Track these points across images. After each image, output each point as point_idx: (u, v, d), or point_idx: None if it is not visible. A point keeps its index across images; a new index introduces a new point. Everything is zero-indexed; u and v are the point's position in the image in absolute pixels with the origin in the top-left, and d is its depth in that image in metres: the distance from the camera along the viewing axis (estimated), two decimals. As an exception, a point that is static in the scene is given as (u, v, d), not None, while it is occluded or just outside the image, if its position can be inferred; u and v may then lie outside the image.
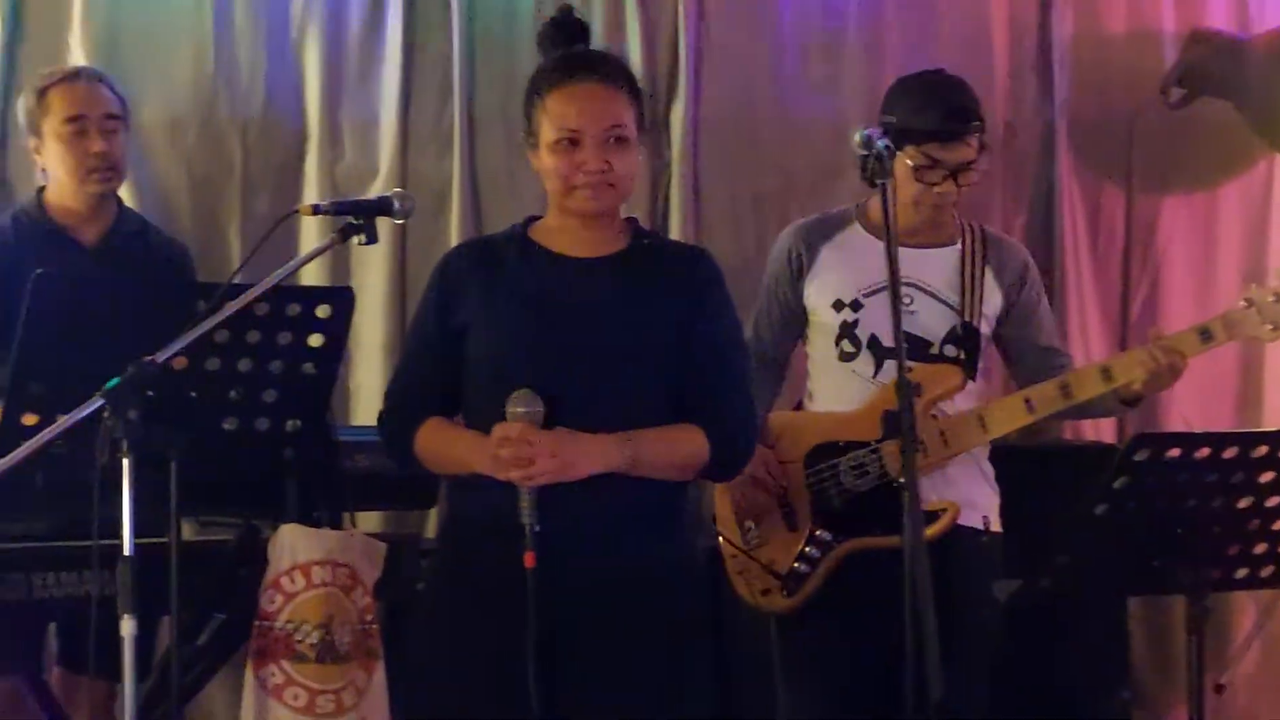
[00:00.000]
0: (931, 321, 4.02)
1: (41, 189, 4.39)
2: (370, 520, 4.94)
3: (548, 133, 3.33)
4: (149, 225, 4.56)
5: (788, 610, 4.03)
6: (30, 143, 4.39)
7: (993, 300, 4.09)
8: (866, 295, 4.01)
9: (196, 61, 5.42)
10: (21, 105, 4.41)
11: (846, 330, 4.03)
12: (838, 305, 4.04)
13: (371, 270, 5.35)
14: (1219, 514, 3.48)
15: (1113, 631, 5.18)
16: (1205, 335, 3.93)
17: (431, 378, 3.41)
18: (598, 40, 5.35)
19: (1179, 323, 5.48)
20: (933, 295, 4.03)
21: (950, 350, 4.02)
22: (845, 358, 4.04)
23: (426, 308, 3.44)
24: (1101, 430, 5.58)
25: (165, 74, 5.40)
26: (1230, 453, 3.40)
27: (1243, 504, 3.48)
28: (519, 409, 3.23)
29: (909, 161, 3.94)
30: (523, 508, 3.22)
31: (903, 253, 3.89)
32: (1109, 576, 3.63)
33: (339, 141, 5.47)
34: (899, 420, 3.33)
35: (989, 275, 4.08)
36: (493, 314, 3.36)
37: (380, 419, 3.47)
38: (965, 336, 4.03)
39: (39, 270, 3.45)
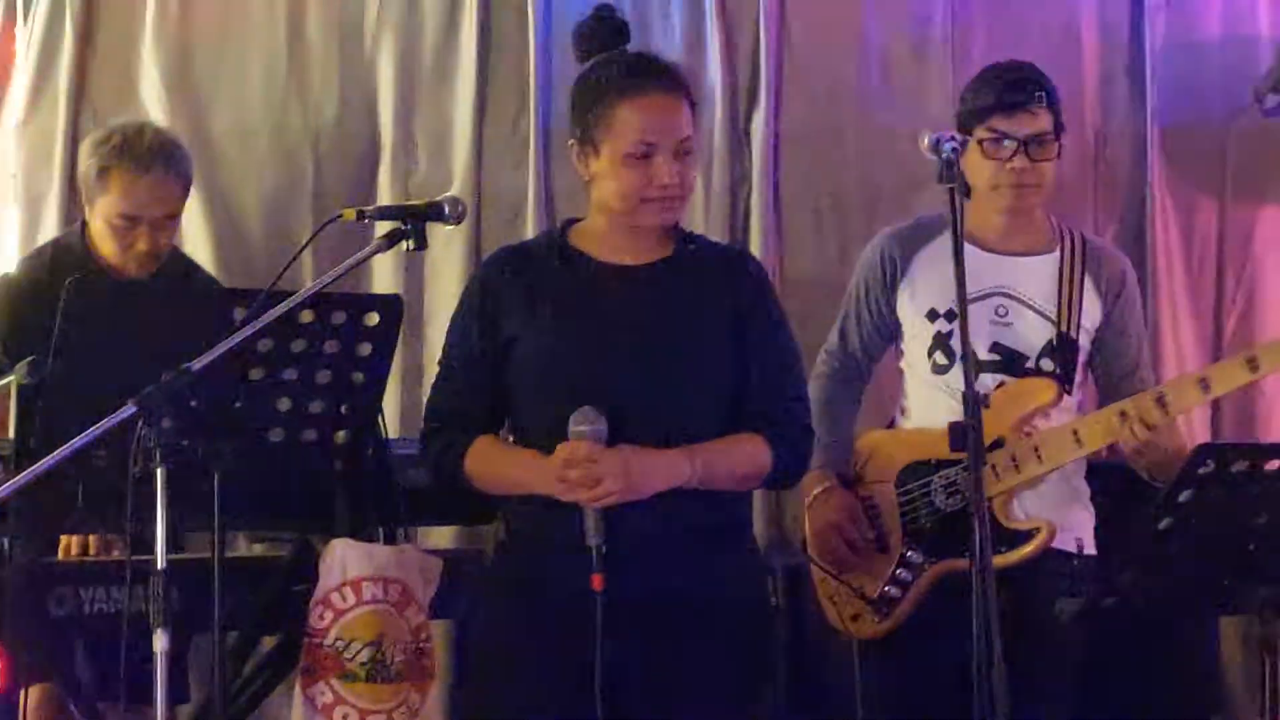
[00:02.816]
0: (1028, 334, 3.92)
1: (85, 224, 4.23)
2: (441, 536, 4.89)
3: (617, 144, 3.27)
4: (195, 267, 4.47)
5: (878, 635, 3.93)
6: (82, 194, 4.22)
7: (1092, 312, 3.97)
8: None
9: (268, 71, 5.40)
10: (83, 154, 4.21)
11: (940, 341, 3.94)
12: (932, 315, 3.95)
13: (446, 282, 5.29)
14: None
15: (1204, 653, 5.04)
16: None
17: (476, 394, 3.38)
18: (677, 53, 5.33)
19: (1277, 333, 5.37)
20: (1029, 306, 3.92)
21: (1047, 364, 3.91)
22: (938, 370, 3.95)
23: (467, 321, 3.40)
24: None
25: (237, 83, 5.39)
26: (1303, 464, 3.26)
27: (1318, 519, 3.33)
28: (582, 427, 3.19)
29: (978, 141, 3.86)
30: (588, 528, 3.18)
31: (999, 261, 3.93)
32: (1175, 594, 3.50)
33: (413, 152, 5.43)
34: (965, 432, 3.23)
35: (1088, 284, 3.97)
36: (541, 327, 3.31)
37: (424, 439, 3.44)
38: (1061, 349, 3.91)
39: (74, 276, 3.40)
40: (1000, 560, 3.68)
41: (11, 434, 3.42)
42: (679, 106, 3.31)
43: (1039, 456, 3.83)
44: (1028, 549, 3.80)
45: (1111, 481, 4.56)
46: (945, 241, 3.88)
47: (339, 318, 3.51)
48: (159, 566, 3.07)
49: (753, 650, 3.40)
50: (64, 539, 3.91)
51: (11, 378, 3.40)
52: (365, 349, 3.56)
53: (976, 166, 3.89)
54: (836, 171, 5.50)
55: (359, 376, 3.58)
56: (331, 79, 5.42)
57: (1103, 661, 4.46)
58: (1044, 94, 3.92)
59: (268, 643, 3.96)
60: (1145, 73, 5.51)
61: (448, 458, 3.37)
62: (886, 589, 3.90)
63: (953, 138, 3.36)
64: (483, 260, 3.52)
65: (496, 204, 5.39)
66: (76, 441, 3.03)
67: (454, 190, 5.32)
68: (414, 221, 3.32)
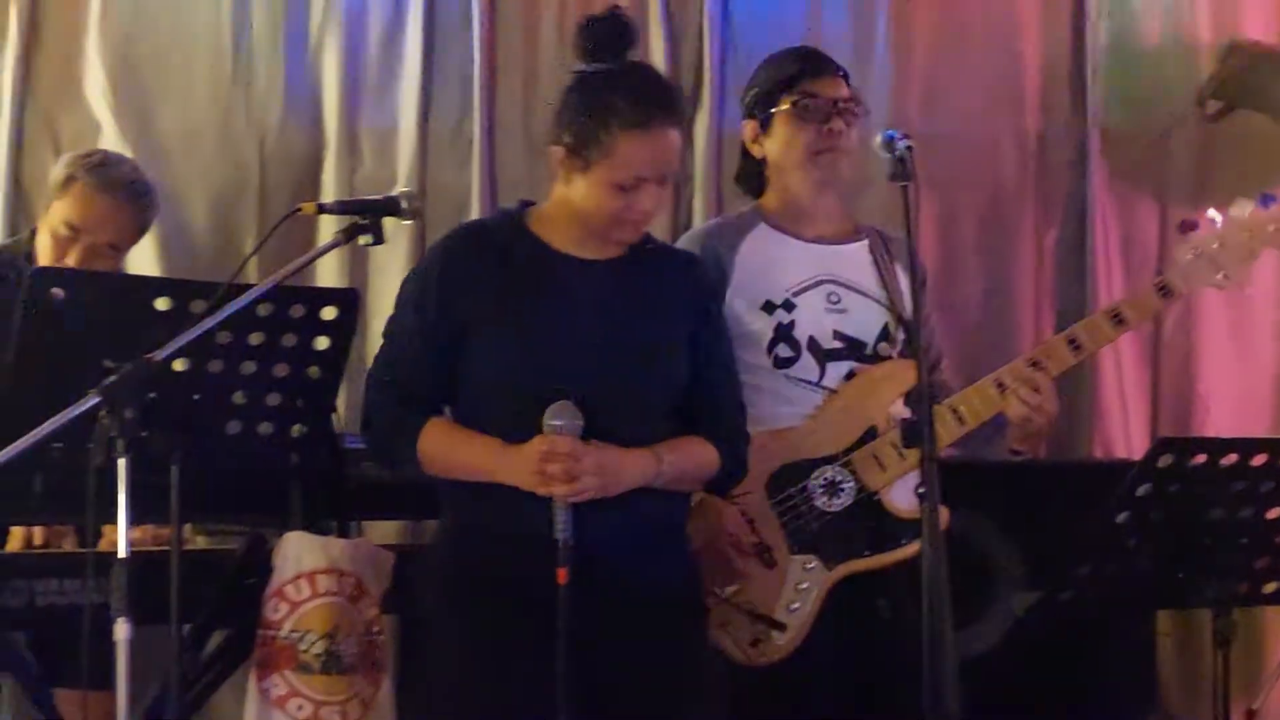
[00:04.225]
0: (863, 319, 3.80)
1: (34, 231, 4.25)
2: (386, 531, 4.89)
3: (612, 170, 3.24)
4: None
5: (784, 656, 3.66)
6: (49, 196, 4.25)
7: (909, 298, 3.79)
8: (797, 294, 3.79)
9: (214, 70, 5.38)
10: (59, 164, 4.24)
11: (783, 333, 3.76)
12: (768, 307, 3.77)
13: (390, 278, 5.26)
14: (1247, 524, 3.37)
15: (1140, 649, 5.02)
16: (1164, 290, 3.77)
17: (430, 372, 3.35)
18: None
19: (1211, 339, 5.47)
20: (860, 292, 3.82)
21: (884, 348, 3.81)
22: (782, 364, 3.76)
23: (425, 297, 3.36)
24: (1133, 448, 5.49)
25: (183, 82, 5.37)
26: (1259, 460, 3.31)
27: (1272, 514, 3.39)
28: (559, 421, 3.19)
29: (787, 106, 3.81)
30: (558, 523, 3.18)
31: (819, 249, 3.85)
32: (1131, 589, 3.51)
33: (358, 150, 5.43)
34: (918, 429, 3.16)
35: (899, 270, 3.87)
36: (510, 317, 3.30)
37: (371, 414, 3.39)
38: (906, 330, 3.78)
39: (36, 266, 3.39)
40: (901, 553, 3.65)
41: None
42: (677, 139, 3.31)
43: None
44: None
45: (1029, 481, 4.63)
46: (761, 235, 3.84)
47: (297, 311, 3.49)
48: (121, 556, 3.07)
49: (704, 642, 3.46)
50: (12, 530, 3.88)
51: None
52: (322, 343, 3.54)
53: (789, 138, 3.82)
54: (780, 174, 5.53)
55: (315, 370, 3.56)
56: (276, 78, 5.41)
57: (1037, 656, 4.52)
58: (842, 68, 3.89)
59: (216, 636, 3.94)
60: (1086, 77, 5.57)
61: (400, 436, 3.34)
62: (787, 603, 3.68)
63: (906, 135, 3.31)
64: (444, 238, 3.47)
65: (441, 202, 5.38)
66: (38, 432, 3.04)
67: (398, 189, 5.31)
68: (372, 216, 3.34)
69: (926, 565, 3.10)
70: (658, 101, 3.28)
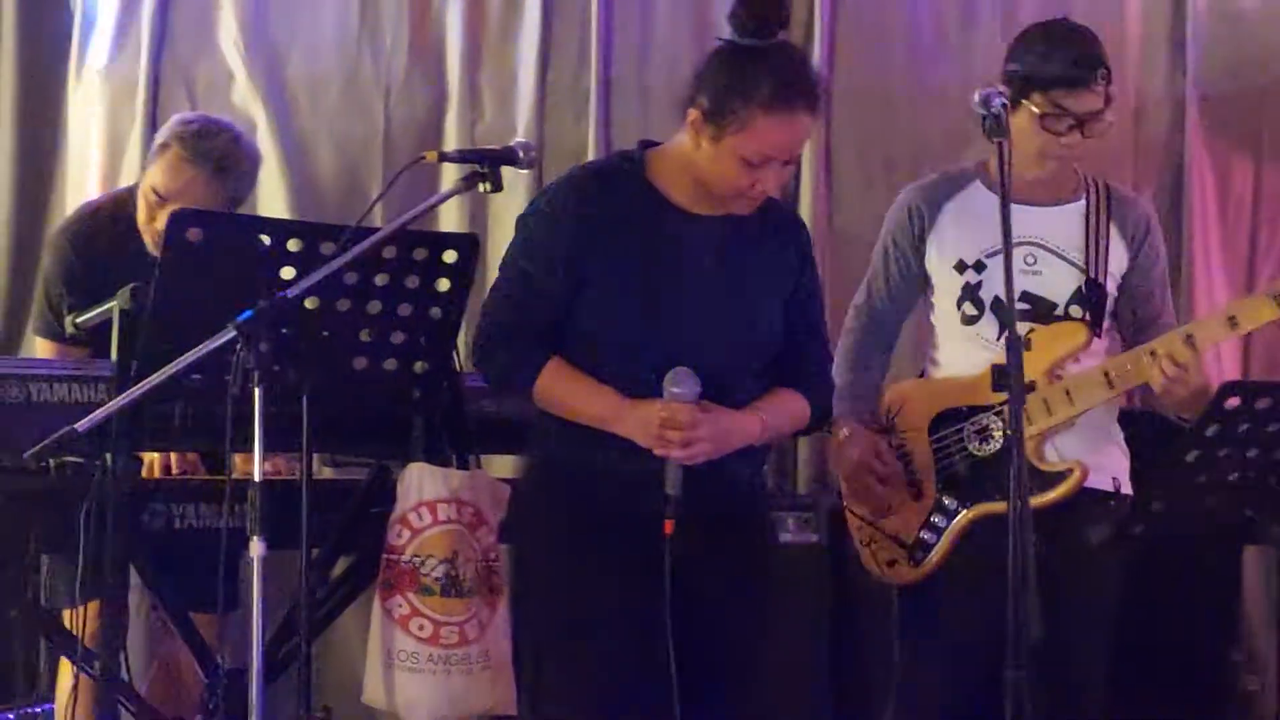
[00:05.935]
0: (1056, 281, 3.93)
1: (135, 186, 4.34)
2: (502, 465, 5.06)
3: (744, 144, 3.32)
4: None
5: (914, 580, 3.97)
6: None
7: (1118, 258, 3.98)
8: (989, 256, 3.91)
9: (341, 22, 5.57)
10: (165, 126, 4.31)
11: (969, 292, 3.94)
12: (960, 266, 3.95)
13: (507, 225, 5.35)
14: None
15: (1225, 585, 5.03)
16: None
17: (551, 314, 3.44)
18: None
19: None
20: (1057, 254, 3.94)
21: (1075, 310, 3.93)
22: (968, 321, 3.95)
23: (553, 241, 3.44)
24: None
25: (310, 34, 5.57)
26: (1327, 405, 3.37)
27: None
28: (679, 389, 3.33)
29: (1034, 110, 3.84)
30: (669, 479, 3.34)
31: (1026, 211, 3.88)
32: (1202, 525, 3.63)
33: (478, 103, 5.61)
34: (1007, 375, 3.34)
35: (1114, 231, 3.97)
36: (629, 274, 3.40)
37: (489, 346, 3.48)
38: (1090, 294, 3.93)
39: (176, 208, 3.57)
40: (1035, 501, 3.68)
41: (114, 357, 3.59)
42: (811, 125, 3.40)
43: (1070, 399, 3.85)
44: (1061, 489, 3.83)
45: (1143, 428, 4.70)
46: (971, 193, 3.99)
47: (420, 254, 3.64)
48: (256, 479, 3.27)
49: (770, 567, 3.64)
50: (147, 457, 4.06)
51: (115, 303, 3.58)
52: (444, 284, 3.69)
53: (1026, 132, 3.85)
54: (886, 130, 5.63)
55: (437, 311, 3.71)
56: (402, 32, 5.59)
57: (1127, 592, 4.61)
58: (1106, 71, 3.88)
59: (343, 562, 4.10)
60: (1186, 40, 5.62)
61: (523, 370, 3.45)
62: (922, 534, 3.95)
63: (1001, 94, 3.46)
64: (567, 181, 3.55)
65: (558, 154, 5.53)
66: (180, 362, 3.24)
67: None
68: (491, 165, 3.49)
69: (1011, 504, 3.27)
70: (801, 86, 3.35)
